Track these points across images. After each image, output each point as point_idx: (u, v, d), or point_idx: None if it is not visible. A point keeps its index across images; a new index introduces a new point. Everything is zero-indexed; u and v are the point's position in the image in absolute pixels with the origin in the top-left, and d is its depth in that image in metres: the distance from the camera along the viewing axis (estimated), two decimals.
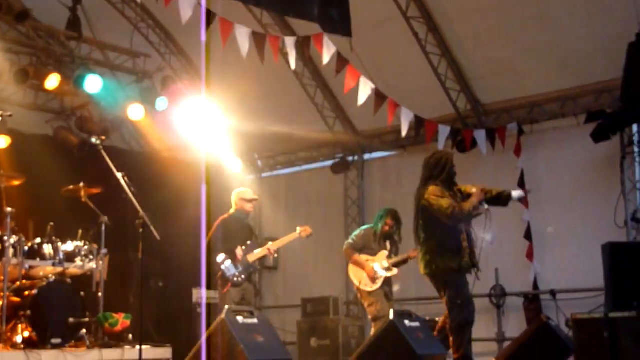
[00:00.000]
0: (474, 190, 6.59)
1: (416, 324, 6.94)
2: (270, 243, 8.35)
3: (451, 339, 6.49)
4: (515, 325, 9.67)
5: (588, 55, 9.29)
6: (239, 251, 8.04)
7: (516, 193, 6.88)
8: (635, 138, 9.21)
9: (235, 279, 7.97)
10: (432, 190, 6.44)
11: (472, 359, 6.51)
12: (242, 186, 9.04)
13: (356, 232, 8.78)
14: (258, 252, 8.18)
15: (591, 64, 9.33)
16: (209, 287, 9.83)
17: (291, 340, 11.03)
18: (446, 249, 6.44)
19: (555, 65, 9.60)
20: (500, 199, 6.72)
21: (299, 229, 8.48)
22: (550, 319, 7.47)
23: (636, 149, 9.22)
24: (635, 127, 9.21)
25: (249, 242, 8.19)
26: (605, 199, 9.15)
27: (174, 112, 10.37)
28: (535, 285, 9.80)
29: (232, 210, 8.31)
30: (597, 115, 9.13)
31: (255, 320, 6.36)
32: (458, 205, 6.40)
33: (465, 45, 9.97)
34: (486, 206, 6.59)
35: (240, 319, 6.25)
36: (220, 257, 7.96)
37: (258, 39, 8.21)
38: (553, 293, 9.50)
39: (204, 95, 10.70)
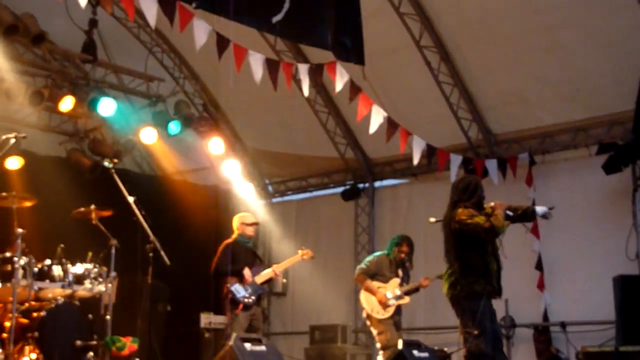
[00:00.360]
0: (492, 204, 6.58)
1: (425, 354, 6.90)
2: (274, 265, 8.48)
3: None
4: (525, 357, 9.58)
5: (600, 86, 9.28)
6: (247, 272, 8.09)
7: (540, 209, 6.85)
8: None
9: (246, 300, 7.98)
10: (462, 212, 6.38)
11: None
12: (253, 211, 9.09)
13: (369, 258, 8.75)
14: (265, 274, 8.27)
15: (603, 95, 9.32)
16: (216, 312, 9.85)
17: None
18: (472, 270, 6.34)
19: (567, 96, 9.59)
20: (526, 215, 6.71)
21: (300, 252, 8.62)
22: (560, 352, 7.43)
23: None
24: None
25: (254, 265, 8.26)
26: (617, 231, 9.08)
27: (186, 137, 10.42)
28: (546, 317, 9.71)
29: (234, 235, 8.39)
30: (609, 147, 9.11)
31: (263, 348, 6.36)
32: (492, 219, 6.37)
33: (478, 75, 9.99)
34: (510, 213, 6.58)
35: (248, 346, 6.25)
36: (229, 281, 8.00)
37: (271, 66, 8.26)
38: (563, 325, 9.41)
39: (217, 120, 10.76)
